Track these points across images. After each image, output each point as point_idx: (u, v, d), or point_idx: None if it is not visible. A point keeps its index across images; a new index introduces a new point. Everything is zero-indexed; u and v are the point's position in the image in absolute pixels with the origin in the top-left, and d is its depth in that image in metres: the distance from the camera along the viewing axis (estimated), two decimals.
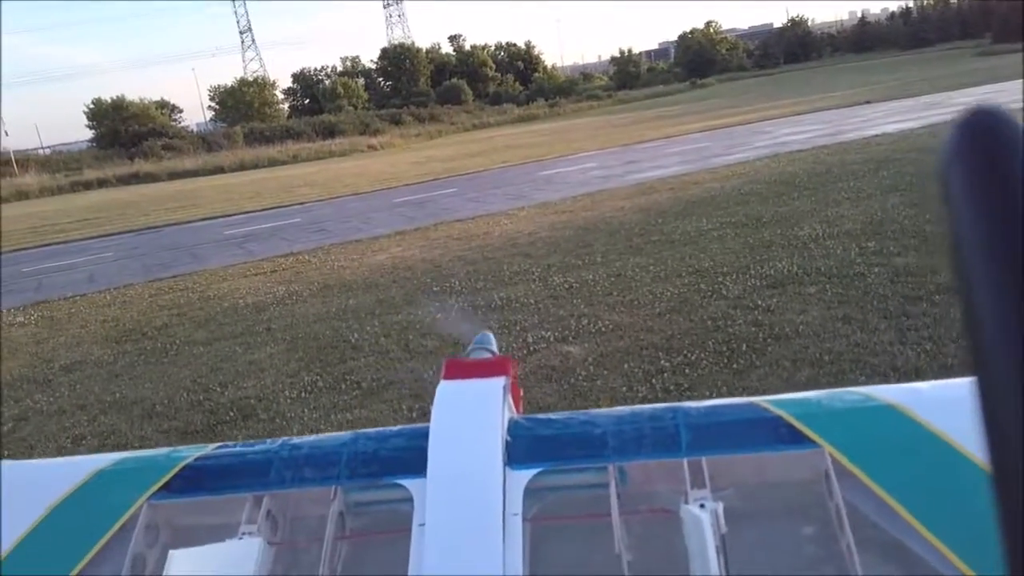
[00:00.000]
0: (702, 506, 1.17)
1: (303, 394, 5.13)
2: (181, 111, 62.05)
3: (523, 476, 1.24)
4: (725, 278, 6.42)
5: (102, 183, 36.88)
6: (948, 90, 23.95)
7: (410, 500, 1.24)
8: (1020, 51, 38.87)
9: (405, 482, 1.28)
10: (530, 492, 1.24)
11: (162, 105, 58.85)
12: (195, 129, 62.37)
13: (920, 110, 19.18)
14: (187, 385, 5.64)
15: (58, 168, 43.74)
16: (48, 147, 64.48)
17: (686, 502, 1.20)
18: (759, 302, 5.68)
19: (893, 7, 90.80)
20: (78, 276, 11.83)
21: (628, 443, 1.29)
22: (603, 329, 5.59)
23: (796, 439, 1.24)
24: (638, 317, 5.78)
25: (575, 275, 7.23)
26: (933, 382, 1.35)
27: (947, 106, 19.04)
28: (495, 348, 2.20)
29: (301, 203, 18.87)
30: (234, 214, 18.21)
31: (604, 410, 1.40)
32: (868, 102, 24.16)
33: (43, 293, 10.57)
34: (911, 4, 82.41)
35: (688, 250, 7.63)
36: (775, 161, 13.49)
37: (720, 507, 1.17)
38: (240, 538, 1.27)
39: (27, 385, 6.19)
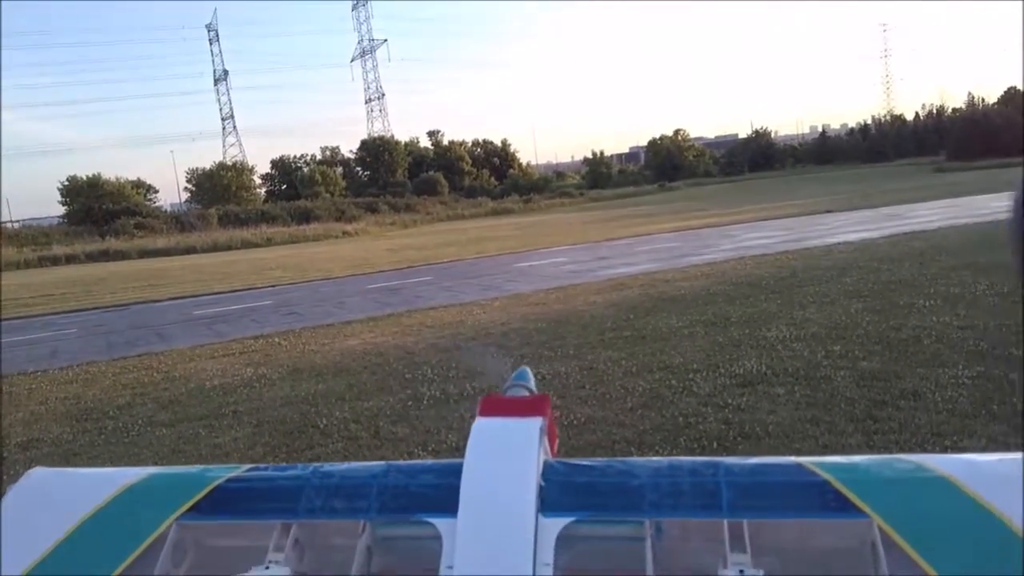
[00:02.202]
0: (741, 572, 1.15)
1: None
2: (157, 191, 62.44)
3: (556, 524, 1.22)
4: (696, 375, 6.49)
5: (71, 259, 36.54)
6: (906, 203, 25.03)
7: (439, 539, 1.23)
8: (972, 168, 41.00)
9: (435, 520, 1.26)
10: (562, 541, 1.20)
11: (138, 185, 59.11)
12: (169, 209, 62.48)
13: (880, 220, 19.98)
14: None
15: (26, 242, 43.32)
16: (18, 221, 63.95)
17: (724, 566, 1.17)
18: (729, 400, 5.74)
19: (852, 123, 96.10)
20: (40, 352, 11.57)
21: (666, 497, 1.26)
22: (575, 422, 5.58)
23: (843, 506, 1.19)
24: (610, 411, 5.79)
25: (548, 367, 7.26)
26: (990, 455, 1.29)
27: (906, 218, 19.88)
28: (533, 385, 2.10)
29: (273, 285, 18.84)
30: (204, 294, 18.09)
31: (642, 459, 1.37)
32: (829, 211, 25.12)
33: (2, 368, 10.29)
34: (869, 121, 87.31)
35: (659, 346, 7.73)
36: (741, 263, 13.87)
37: (760, 575, 1.14)
38: (267, 567, 1.27)
39: None
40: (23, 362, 10.59)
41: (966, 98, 74.61)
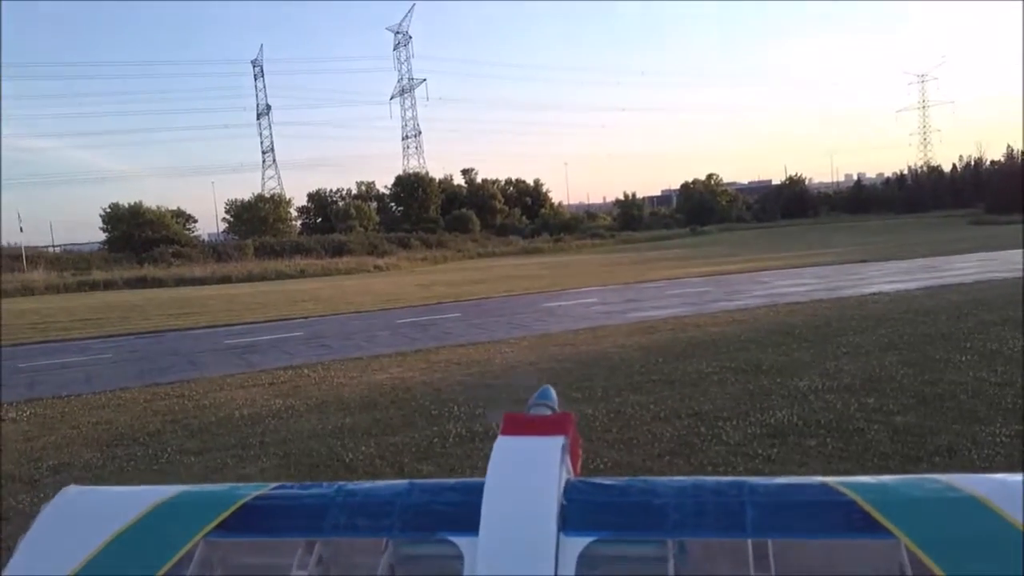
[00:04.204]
0: None
1: None
2: (196, 221, 63.73)
3: (577, 543, 1.21)
4: (725, 423, 6.41)
5: (109, 284, 37.29)
6: (943, 255, 24.67)
7: (460, 558, 1.23)
8: (1011, 222, 40.37)
9: (456, 539, 1.26)
10: (583, 560, 1.20)
11: (178, 214, 60.43)
12: (207, 239, 63.71)
13: (916, 272, 19.71)
14: None
15: (67, 266, 44.35)
16: (59, 246, 65.68)
17: None
18: (759, 451, 5.65)
19: (888, 173, 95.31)
20: (75, 375, 11.78)
21: (689, 517, 1.24)
22: (601, 466, 5.53)
23: (870, 527, 1.16)
24: (637, 456, 5.73)
25: (575, 408, 7.19)
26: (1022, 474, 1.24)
27: (943, 270, 19.59)
28: (556, 404, 2.10)
29: (305, 317, 19.05)
30: (237, 324, 18.33)
31: (665, 479, 1.36)
32: (864, 261, 24.83)
33: (37, 390, 10.49)
34: (906, 171, 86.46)
35: (688, 391, 7.66)
36: (773, 311, 13.73)
37: None
38: None
39: (12, 484, 6.05)
40: (58, 385, 10.78)
41: (1005, 151, 73.65)
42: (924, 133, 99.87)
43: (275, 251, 50.43)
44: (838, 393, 7.14)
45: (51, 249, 60.48)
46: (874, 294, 15.16)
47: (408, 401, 8.16)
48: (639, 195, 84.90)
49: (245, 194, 69.97)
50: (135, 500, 1.46)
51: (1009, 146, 73.27)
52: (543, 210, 76.94)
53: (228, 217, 67.57)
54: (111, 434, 7.64)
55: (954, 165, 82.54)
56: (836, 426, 6.10)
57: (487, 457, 4.58)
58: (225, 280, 38.53)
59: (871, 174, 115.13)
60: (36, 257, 48.06)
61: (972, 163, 79.30)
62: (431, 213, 70.58)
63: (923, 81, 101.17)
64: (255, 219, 64.15)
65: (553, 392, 2.18)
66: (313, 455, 6.33)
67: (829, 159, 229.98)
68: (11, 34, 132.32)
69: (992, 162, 76.16)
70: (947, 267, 20.31)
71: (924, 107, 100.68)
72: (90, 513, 1.45)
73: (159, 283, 37.91)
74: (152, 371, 11.81)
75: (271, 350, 13.36)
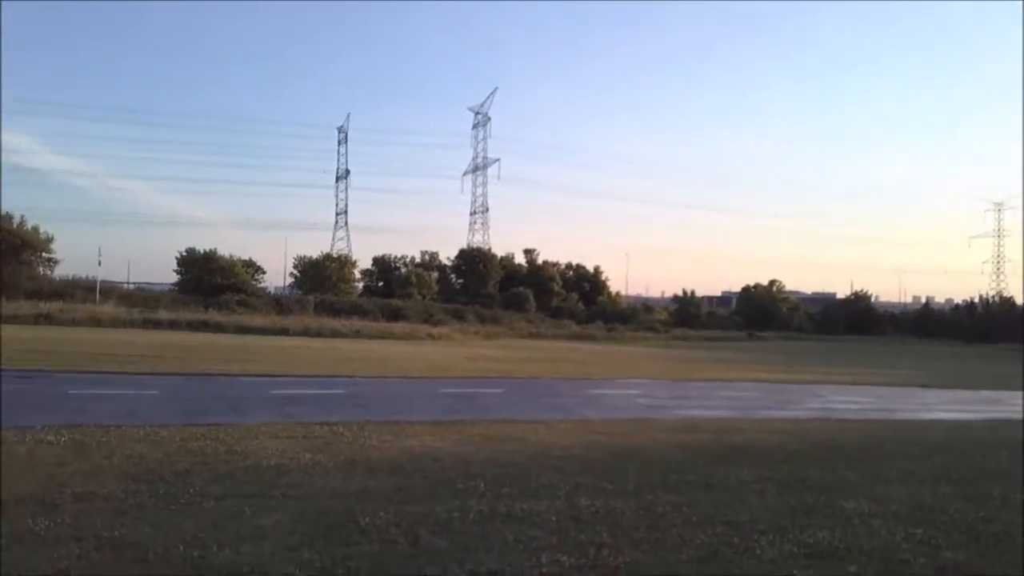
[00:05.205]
0: None
1: (297, 571, 4.89)
2: (264, 272, 65.37)
3: None
4: (761, 537, 6.06)
5: (173, 324, 38.36)
6: (1010, 389, 23.53)
7: None
8: None
9: None
10: None
11: (248, 264, 62.24)
12: (273, 291, 65.34)
13: (980, 403, 18.82)
14: (186, 538, 5.45)
15: (136, 303, 45.88)
16: (133, 283, 68.16)
17: None
18: (795, 571, 5.30)
19: (958, 299, 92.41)
20: (120, 407, 12.02)
21: None
22: (623, 564, 5.26)
23: None
24: (662, 559, 5.44)
25: (603, 500, 6.96)
26: None
27: (1008, 404, 18.64)
28: None
29: (351, 376, 19.18)
30: (285, 376, 18.56)
31: None
32: (926, 386, 23.86)
33: (80, 418, 10.70)
34: (976, 299, 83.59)
35: (725, 498, 7.32)
36: (825, 425, 13.22)
37: None
38: None
39: (34, 505, 6.09)
40: (102, 415, 10.99)
41: None
42: (998, 262, 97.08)
43: (335, 309, 51.35)
44: (884, 519, 6.71)
45: (126, 285, 62.81)
46: (932, 420, 14.48)
47: (435, 471, 8.01)
48: (698, 293, 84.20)
49: (314, 252, 71.73)
50: None
51: None
52: (600, 297, 76.75)
53: (295, 272, 69.43)
54: (140, 468, 7.68)
55: None
56: (879, 555, 5.71)
57: (504, 540, 4.45)
58: (282, 332, 39.25)
59: (940, 298, 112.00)
60: (110, 291, 50.01)
61: None
62: (489, 288, 71.15)
63: (999, 210, 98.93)
64: (320, 277, 65.72)
65: None
66: (330, 514, 6.21)
67: (897, 278, 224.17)
68: (121, 80, 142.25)
69: None
70: (1013, 402, 19.32)
71: (999, 236, 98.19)
72: None
73: (220, 328, 38.84)
74: (193, 412, 11.96)
75: (311, 405, 13.42)
